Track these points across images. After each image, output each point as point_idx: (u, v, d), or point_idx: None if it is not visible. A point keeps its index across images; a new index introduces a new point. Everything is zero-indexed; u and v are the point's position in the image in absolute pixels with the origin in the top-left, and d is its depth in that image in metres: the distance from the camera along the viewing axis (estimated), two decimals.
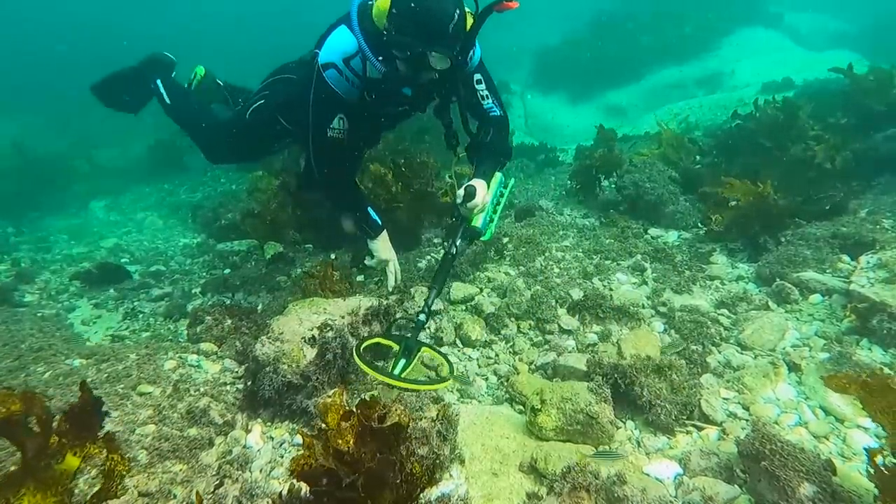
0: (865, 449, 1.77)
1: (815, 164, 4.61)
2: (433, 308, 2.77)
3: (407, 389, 2.44)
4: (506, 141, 3.18)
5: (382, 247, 3.22)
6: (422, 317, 2.68)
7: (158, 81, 3.84)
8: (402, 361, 2.54)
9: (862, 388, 1.81)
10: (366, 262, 3.27)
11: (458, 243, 2.88)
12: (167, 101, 3.83)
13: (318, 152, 2.99)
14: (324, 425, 1.42)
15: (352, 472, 1.31)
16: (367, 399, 1.45)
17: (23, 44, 22.96)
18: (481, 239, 2.95)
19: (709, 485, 1.99)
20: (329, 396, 1.52)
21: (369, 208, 3.18)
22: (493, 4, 2.53)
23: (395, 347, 2.67)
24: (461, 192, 2.78)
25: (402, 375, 2.46)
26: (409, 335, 2.68)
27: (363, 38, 2.64)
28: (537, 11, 17.98)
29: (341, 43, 2.78)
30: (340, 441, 1.34)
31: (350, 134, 2.98)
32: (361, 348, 2.55)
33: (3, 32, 23.23)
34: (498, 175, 3.00)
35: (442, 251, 3.33)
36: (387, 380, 2.41)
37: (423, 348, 2.72)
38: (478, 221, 2.83)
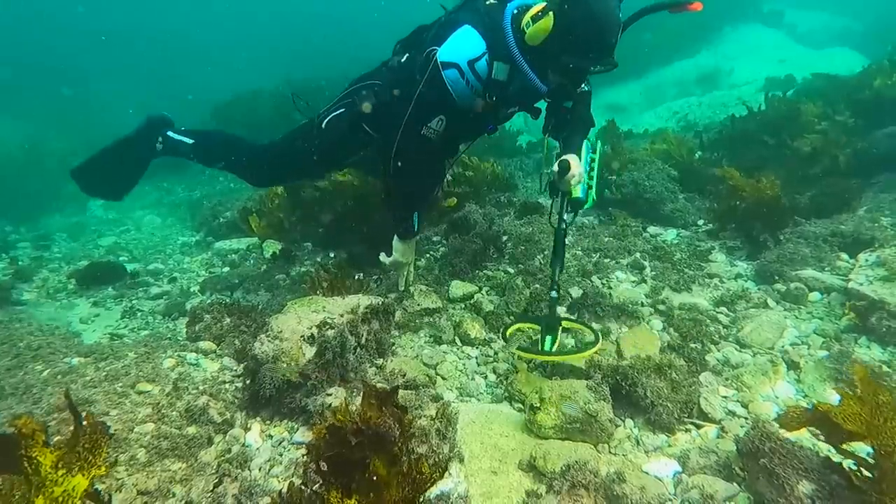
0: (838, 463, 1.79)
1: (816, 161, 4.65)
2: (557, 282, 2.94)
3: (564, 361, 2.78)
4: (588, 111, 3.20)
5: (406, 249, 3.24)
6: (553, 294, 2.88)
7: (168, 133, 3.55)
8: (549, 338, 2.82)
9: (814, 419, 1.84)
10: (381, 257, 3.28)
11: (565, 217, 2.98)
12: (189, 141, 3.53)
13: (404, 146, 2.92)
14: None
15: (357, 435, 1.40)
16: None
17: (23, 43, 22.93)
18: (585, 206, 3.02)
19: (708, 483, 1.99)
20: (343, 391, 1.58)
21: (416, 214, 3.17)
22: (668, 5, 2.55)
23: (536, 328, 2.99)
24: (554, 168, 2.87)
25: (553, 350, 2.79)
26: (545, 314, 2.95)
27: (519, 52, 2.64)
28: None
29: (467, 44, 2.71)
30: (350, 417, 1.44)
31: (442, 136, 2.96)
32: (508, 336, 2.96)
33: (4, 34, 23.20)
34: (585, 143, 3.06)
35: (432, 249, 3.30)
36: (542, 357, 2.78)
37: (563, 322, 3.00)
38: (577, 192, 2.92)
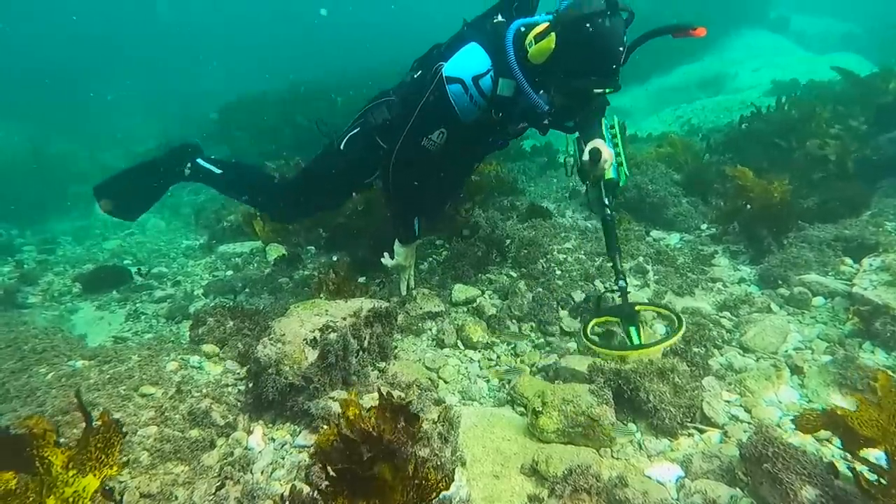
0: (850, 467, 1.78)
1: (827, 165, 4.61)
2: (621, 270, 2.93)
3: (655, 352, 2.65)
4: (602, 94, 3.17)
5: (406, 253, 3.29)
6: (622, 282, 2.87)
7: (198, 160, 3.65)
8: (633, 329, 2.77)
9: (829, 422, 1.84)
10: (383, 259, 3.31)
11: (607, 202, 2.97)
12: (217, 171, 3.62)
13: (402, 155, 2.95)
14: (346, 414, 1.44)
15: (371, 448, 1.35)
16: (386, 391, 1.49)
17: (24, 45, 23.11)
18: (621, 184, 3.02)
19: (710, 487, 1.99)
20: (347, 395, 1.54)
21: (416, 219, 3.21)
22: (672, 29, 2.53)
23: (614, 320, 2.93)
24: (585, 157, 2.86)
25: (643, 342, 2.70)
26: (620, 304, 2.89)
27: (519, 69, 2.64)
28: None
29: (472, 60, 2.74)
30: (363, 424, 1.39)
31: (442, 150, 2.99)
32: (589, 333, 2.80)
33: (6, 35, 23.37)
34: (603, 122, 3.08)
35: (446, 248, 3.29)
36: (633, 353, 2.64)
37: (641, 308, 2.94)
38: (609, 173, 2.92)
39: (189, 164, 3.64)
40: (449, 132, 2.93)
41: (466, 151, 3.22)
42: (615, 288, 2.93)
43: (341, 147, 3.31)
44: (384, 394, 1.44)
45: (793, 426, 2.34)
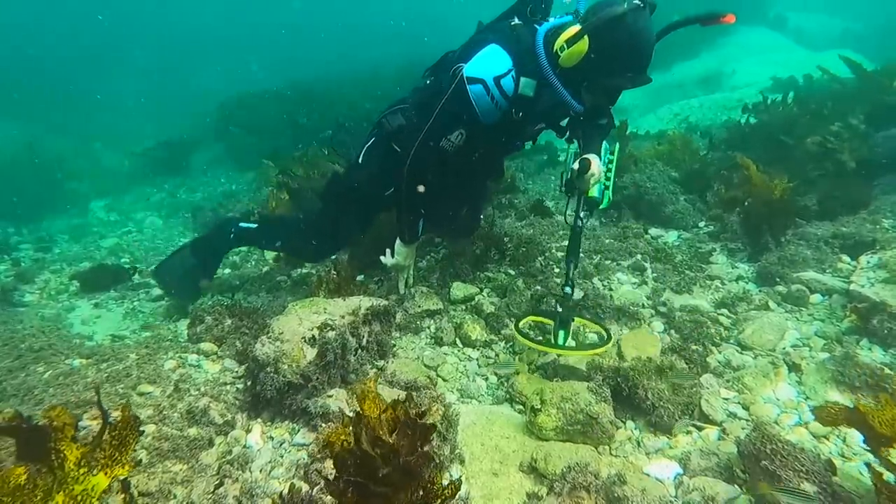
0: (867, 464, 1.78)
1: (825, 162, 4.60)
2: (573, 279, 2.94)
3: (575, 355, 2.82)
4: (608, 111, 3.17)
5: (407, 253, 3.27)
6: (567, 289, 2.88)
7: (240, 224, 3.86)
8: (562, 332, 2.81)
9: (850, 418, 1.84)
10: (382, 258, 3.30)
11: (581, 215, 2.97)
12: (253, 226, 3.82)
13: (419, 156, 2.92)
14: (360, 411, 1.41)
15: (388, 464, 1.32)
16: (406, 395, 1.46)
17: (25, 45, 23.01)
18: (600, 207, 3.01)
19: (709, 485, 1.99)
20: (364, 383, 1.51)
21: (421, 220, 3.20)
22: (701, 18, 2.55)
23: (549, 322, 2.97)
24: (575, 165, 2.83)
25: (565, 344, 2.79)
26: (560, 309, 2.89)
27: (553, 74, 2.66)
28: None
29: (493, 61, 2.73)
30: (381, 432, 1.34)
31: (459, 151, 2.98)
32: (519, 327, 2.89)
33: (6, 34, 23.24)
34: (604, 144, 3.06)
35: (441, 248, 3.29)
36: (555, 350, 2.78)
37: (576, 318, 2.98)
38: (594, 191, 2.91)
39: (232, 230, 3.83)
40: (468, 133, 2.93)
41: (484, 153, 3.21)
42: (561, 294, 2.92)
43: (359, 160, 3.32)
44: (405, 403, 1.37)
45: (790, 424, 2.36)
